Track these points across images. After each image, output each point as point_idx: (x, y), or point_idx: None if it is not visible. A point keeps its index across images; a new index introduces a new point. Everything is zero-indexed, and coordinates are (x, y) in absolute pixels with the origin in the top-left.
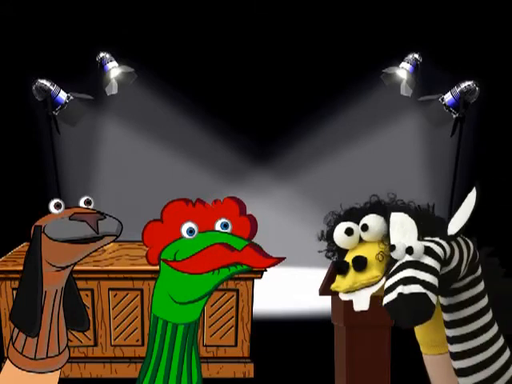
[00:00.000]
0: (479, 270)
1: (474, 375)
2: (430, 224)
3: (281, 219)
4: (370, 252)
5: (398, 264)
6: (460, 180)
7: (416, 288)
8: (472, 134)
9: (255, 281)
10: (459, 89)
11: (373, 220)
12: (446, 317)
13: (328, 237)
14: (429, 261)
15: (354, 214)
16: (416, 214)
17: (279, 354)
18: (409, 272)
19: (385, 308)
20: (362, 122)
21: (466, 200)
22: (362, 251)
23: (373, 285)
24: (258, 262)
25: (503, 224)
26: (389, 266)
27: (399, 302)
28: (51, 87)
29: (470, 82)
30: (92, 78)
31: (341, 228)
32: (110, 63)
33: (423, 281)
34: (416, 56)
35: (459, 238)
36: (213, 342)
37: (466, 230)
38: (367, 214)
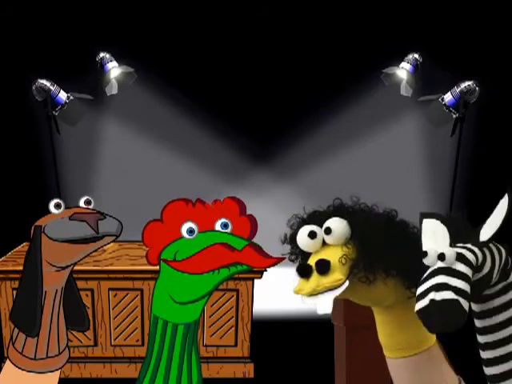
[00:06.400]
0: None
1: (506, 381)
2: (460, 230)
3: (281, 219)
4: (334, 255)
5: (429, 270)
6: (460, 180)
7: (448, 294)
8: (472, 134)
9: (255, 281)
10: (459, 89)
11: (336, 223)
12: (478, 323)
13: (291, 240)
14: (461, 267)
15: (318, 217)
16: (447, 220)
17: (279, 354)
18: (441, 278)
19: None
20: (362, 122)
21: (498, 206)
22: (325, 254)
23: (336, 288)
24: (258, 262)
25: None
26: (352, 269)
27: (431, 308)
28: (51, 87)
29: (470, 82)
30: (92, 77)
31: (304, 231)
32: (109, 63)
33: (455, 287)
34: (416, 56)
35: (491, 245)
36: (213, 342)
37: (497, 237)
38: (330, 217)
